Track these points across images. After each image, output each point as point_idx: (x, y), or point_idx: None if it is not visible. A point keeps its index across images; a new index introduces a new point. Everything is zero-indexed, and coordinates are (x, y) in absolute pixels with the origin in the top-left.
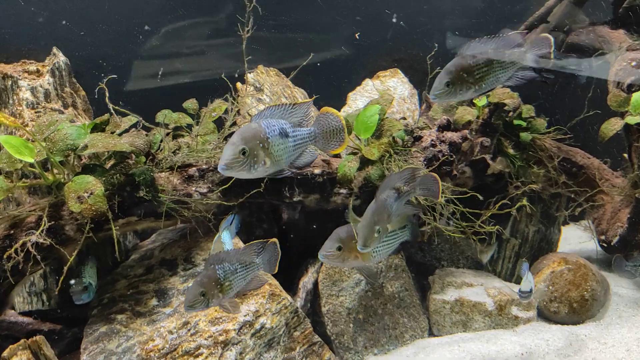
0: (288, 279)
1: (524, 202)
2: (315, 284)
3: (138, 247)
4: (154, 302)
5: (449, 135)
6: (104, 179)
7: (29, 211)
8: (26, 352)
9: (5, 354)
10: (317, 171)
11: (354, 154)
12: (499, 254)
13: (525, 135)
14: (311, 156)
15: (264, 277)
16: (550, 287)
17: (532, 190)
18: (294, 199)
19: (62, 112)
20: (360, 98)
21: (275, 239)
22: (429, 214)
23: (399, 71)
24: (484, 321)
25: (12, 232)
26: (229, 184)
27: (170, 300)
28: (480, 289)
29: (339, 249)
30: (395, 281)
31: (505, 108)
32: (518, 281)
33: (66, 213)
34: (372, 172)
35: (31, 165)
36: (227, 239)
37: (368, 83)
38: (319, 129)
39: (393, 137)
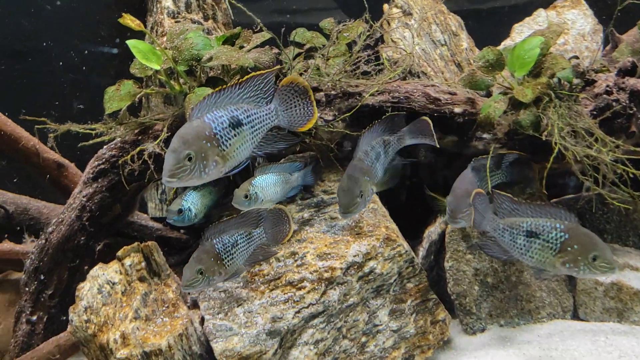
0: (415, 225)
1: None
2: (442, 235)
3: None
4: None
5: (632, 82)
6: None
7: (155, 120)
8: (138, 255)
9: (119, 253)
10: (457, 110)
11: (505, 94)
12: None
13: None
14: (287, 141)
15: (270, 248)
16: None
17: None
18: None
19: (201, 24)
20: (528, 31)
21: (282, 207)
22: (589, 176)
23: (583, 1)
24: None
25: (139, 138)
26: (352, 112)
27: None
28: None
29: None
30: None
31: None
32: None
33: None
34: (523, 117)
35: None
36: (261, 184)
37: (541, 14)
38: (281, 105)
39: (559, 79)
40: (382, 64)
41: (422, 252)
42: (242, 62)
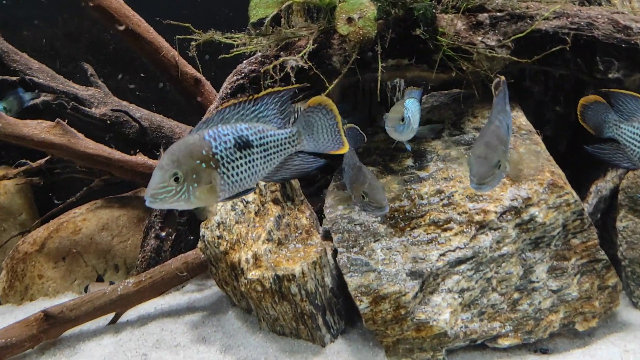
0: (578, 178)
1: None
2: (614, 192)
3: None
4: (409, 162)
5: None
6: (379, 4)
7: (299, 34)
8: None
9: None
10: None
11: None
12: None
13: None
14: (309, 163)
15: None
16: None
17: None
18: (610, 75)
19: None
20: None
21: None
22: None
23: None
24: None
25: (281, 54)
26: (524, 34)
27: (427, 164)
28: None
29: None
30: None
31: None
32: None
33: (336, 42)
34: None
35: None
36: (411, 107)
37: None
38: (305, 128)
39: None
40: None
41: (587, 208)
42: None
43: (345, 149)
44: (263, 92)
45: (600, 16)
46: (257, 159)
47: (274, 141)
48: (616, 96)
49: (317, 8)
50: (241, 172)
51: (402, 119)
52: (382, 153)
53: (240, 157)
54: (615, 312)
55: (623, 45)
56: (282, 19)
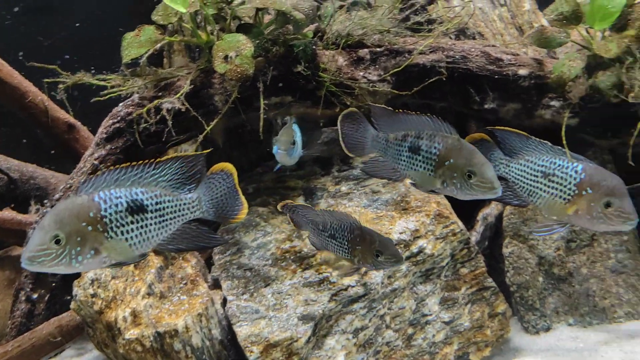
0: (465, 206)
1: None
2: (499, 218)
3: None
4: (299, 200)
5: None
6: (257, 42)
7: (177, 74)
8: None
9: None
10: (523, 72)
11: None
12: None
13: None
14: (209, 240)
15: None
16: None
17: None
18: (485, 106)
19: None
20: None
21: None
22: None
23: None
24: None
25: (160, 94)
26: (402, 68)
27: (318, 201)
28: None
29: None
30: (614, 237)
31: None
32: None
33: (217, 82)
34: (602, 79)
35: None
36: (298, 131)
37: None
38: (206, 195)
39: None
40: (434, 22)
41: (475, 236)
42: (278, 6)
43: (244, 213)
44: (167, 157)
45: (473, 49)
46: (151, 224)
47: (171, 207)
48: (501, 134)
49: (197, 47)
50: (132, 238)
51: (293, 143)
52: (271, 193)
53: (132, 222)
54: (507, 338)
55: (496, 77)
56: (165, 59)
